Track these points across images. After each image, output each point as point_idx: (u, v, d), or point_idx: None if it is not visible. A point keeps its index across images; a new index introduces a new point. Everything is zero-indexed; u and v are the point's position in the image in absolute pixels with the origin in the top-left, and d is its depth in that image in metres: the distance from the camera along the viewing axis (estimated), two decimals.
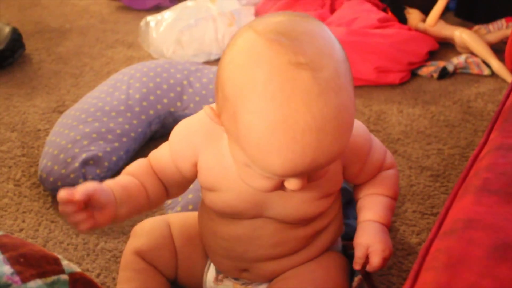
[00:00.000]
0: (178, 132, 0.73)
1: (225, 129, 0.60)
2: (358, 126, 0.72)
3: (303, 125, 0.53)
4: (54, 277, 0.56)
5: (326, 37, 0.56)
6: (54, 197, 1.09)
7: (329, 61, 0.54)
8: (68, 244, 0.97)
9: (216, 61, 1.66)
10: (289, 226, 0.71)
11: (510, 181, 0.54)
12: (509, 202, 0.51)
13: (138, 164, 0.75)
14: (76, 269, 0.59)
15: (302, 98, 0.52)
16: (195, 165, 0.71)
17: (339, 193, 0.76)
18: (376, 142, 0.75)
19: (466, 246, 0.47)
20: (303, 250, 0.74)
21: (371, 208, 0.74)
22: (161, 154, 0.74)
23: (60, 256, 0.59)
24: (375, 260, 0.68)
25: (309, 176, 0.61)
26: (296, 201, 0.68)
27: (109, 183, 0.69)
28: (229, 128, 0.58)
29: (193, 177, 0.73)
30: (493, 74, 1.55)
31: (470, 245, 0.46)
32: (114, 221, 0.68)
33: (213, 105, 0.63)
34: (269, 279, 0.76)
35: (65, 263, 0.58)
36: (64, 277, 0.57)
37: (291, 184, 0.60)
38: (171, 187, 0.75)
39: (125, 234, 0.98)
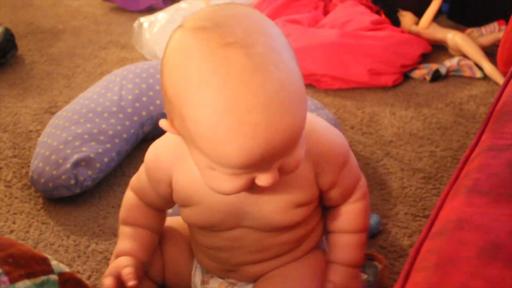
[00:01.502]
0: (149, 158, 0.72)
1: (181, 135, 0.58)
2: (337, 135, 0.70)
3: (246, 104, 0.50)
4: (43, 277, 0.56)
5: (253, 16, 0.54)
6: (45, 198, 1.08)
7: (260, 37, 0.52)
8: (59, 246, 0.97)
9: None
10: (270, 234, 0.70)
11: (501, 182, 0.54)
12: (499, 202, 0.51)
13: (130, 209, 0.77)
14: (66, 269, 0.58)
15: (238, 77, 0.50)
16: (171, 185, 0.71)
17: (319, 199, 0.74)
18: (354, 162, 0.73)
19: (457, 247, 0.47)
20: (289, 253, 0.74)
21: (341, 251, 0.74)
22: (141, 184, 0.75)
23: (49, 256, 0.58)
24: None
25: (279, 168, 0.58)
26: (270, 210, 0.67)
27: (131, 248, 0.74)
28: (182, 132, 0.56)
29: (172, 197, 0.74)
30: (485, 77, 1.55)
31: (460, 246, 0.46)
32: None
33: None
34: (256, 279, 0.76)
35: (54, 263, 0.58)
36: (54, 277, 0.57)
37: (261, 179, 0.57)
38: (161, 207, 0.77)
39: (116, 236, 0.97)
